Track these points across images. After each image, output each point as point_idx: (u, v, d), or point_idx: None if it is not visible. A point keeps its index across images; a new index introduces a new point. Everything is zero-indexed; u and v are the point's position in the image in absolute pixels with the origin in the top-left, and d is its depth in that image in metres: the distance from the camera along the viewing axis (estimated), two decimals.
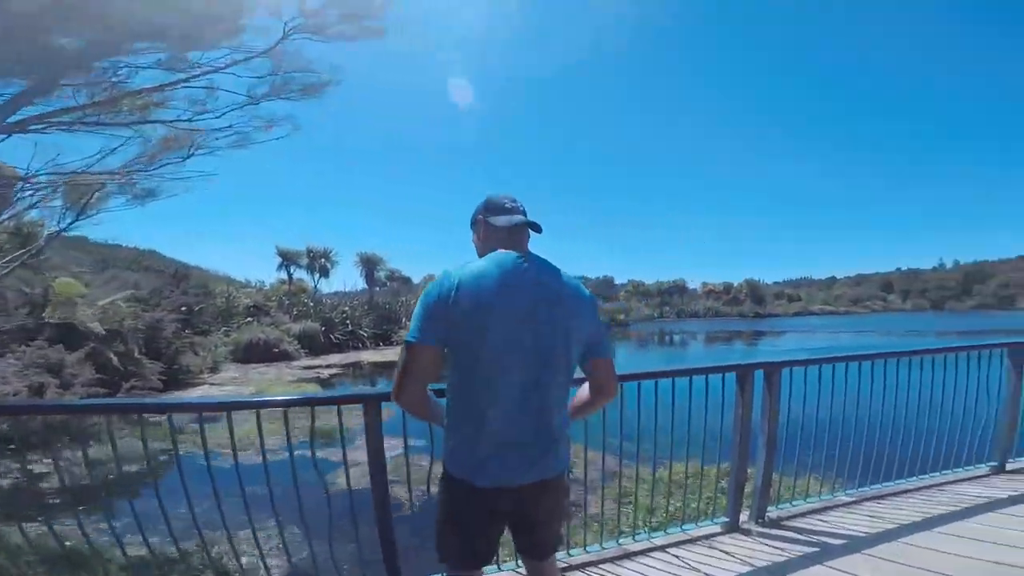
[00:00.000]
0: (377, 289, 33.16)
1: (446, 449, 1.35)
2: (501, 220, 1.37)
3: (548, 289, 1.30)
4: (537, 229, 1.37)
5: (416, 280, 39.31)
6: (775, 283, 75.02)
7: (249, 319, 21.33)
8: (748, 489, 2.77)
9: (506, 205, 1.40)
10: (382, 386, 14.44)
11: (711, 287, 63.86)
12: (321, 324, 21.94)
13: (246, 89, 6.86)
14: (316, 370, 16.84)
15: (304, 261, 32.70)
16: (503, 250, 1.33)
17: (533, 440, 1.30)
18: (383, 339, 24.41)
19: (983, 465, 3.40)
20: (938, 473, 3.33)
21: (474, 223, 1.47)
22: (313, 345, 20.81)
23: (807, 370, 2.82)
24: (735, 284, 63.49)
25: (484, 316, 1.21)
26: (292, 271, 32.96)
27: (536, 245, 1.43)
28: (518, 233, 1.38)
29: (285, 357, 18.85)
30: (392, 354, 20.48)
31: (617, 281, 67.54)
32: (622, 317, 45.38)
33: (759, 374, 2.69)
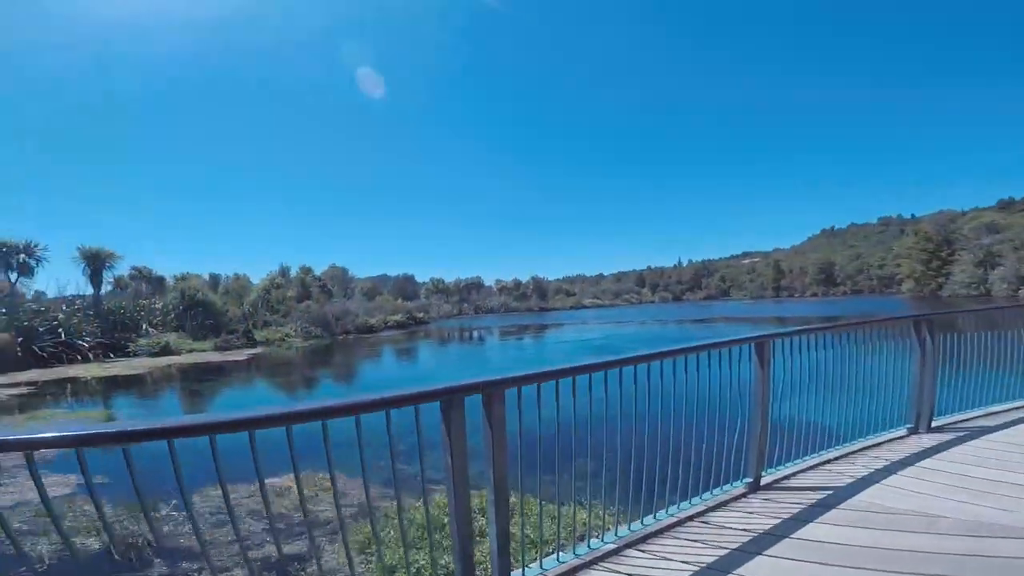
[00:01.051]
0: (117, 291, 29.15)
1: None
2: None
3: None
4: None
5: (170, 280, 33.97)
6: (556, 279, 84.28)
7: None
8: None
9: None
10: (92, 407, 12.01)
11: (503, 284, 68.57)
12: (16, 333, 18.90)
13: None
14: None
15: None
16: None
17: None
18: (114, 349, 21.55)
19: (739, 483, 3.05)
20: (699, 499, 2.93)
21: None
22: (1, 359, 17.54)
23: (540, 386, 2.20)
24: (523, 281, 69.52)
25: None
26: None
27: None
28: None
29: None
30: (124, 367, 18.44)
31: (419, 279, 66.88)
32: (422, 315, 45.77)
33: (475, 399, 1.99)
